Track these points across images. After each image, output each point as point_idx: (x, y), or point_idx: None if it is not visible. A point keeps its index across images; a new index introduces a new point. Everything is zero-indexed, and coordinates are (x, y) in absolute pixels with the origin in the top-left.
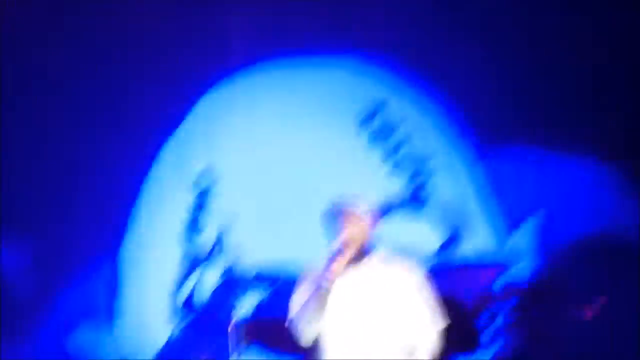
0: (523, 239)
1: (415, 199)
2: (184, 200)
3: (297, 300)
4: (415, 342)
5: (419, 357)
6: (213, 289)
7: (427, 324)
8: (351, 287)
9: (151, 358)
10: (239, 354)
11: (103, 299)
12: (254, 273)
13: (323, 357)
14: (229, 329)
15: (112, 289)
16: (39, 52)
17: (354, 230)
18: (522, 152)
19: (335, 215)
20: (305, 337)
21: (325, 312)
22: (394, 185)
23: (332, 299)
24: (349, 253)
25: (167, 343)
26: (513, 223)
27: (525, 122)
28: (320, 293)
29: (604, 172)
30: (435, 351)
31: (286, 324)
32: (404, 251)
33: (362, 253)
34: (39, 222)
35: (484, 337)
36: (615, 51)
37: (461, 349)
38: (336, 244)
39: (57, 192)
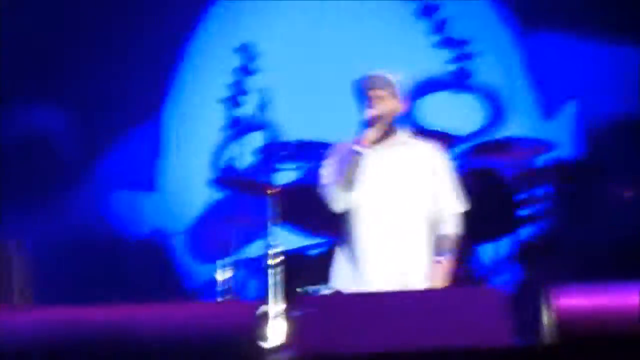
0: (565, 120)
1: (458, 79)
2: (229, 65)
3: (329, 168)
4: (439, 218)
5: (443, 232)
6: (254, 154)
7: (451, 203)
8: (380, 162)
9: (190, 222)
10: (278, 220)
11: (145, 161)
12: (295, 142)
13: (352, 229)
14: (269, 194)
15: (155, 151)
16: None
17: (381, 106)
18: (563, 37)
19: (363, 90)
20: (336, 203)
21: (355, 182)
22: (437, 63)
23: (362, 170)
24: (378, 127)
25: (207, 207)
26: (555, 105)
27: (566, 7)
28: (351, 161)
29: None
30: (458, 230)
31: (318, 190)
32: (444, 129)
33: (390, 129)
34: (80, 86)
35: (525, 213)
36: None
37: (501, 226)
38: (365, 116)
39: (99, 54)
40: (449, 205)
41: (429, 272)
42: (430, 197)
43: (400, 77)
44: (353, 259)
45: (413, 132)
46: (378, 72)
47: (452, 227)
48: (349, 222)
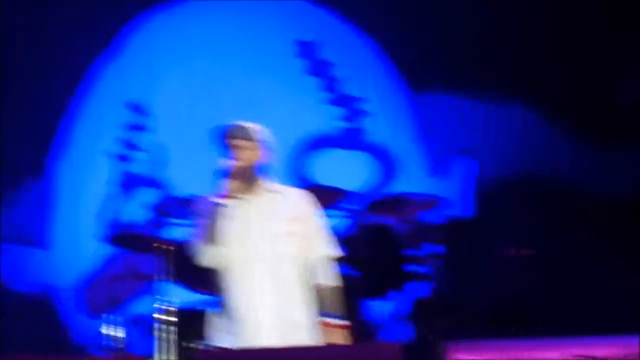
0: (453, 178)
1: (349, 136)
2: (120, 120)
3: (193, 223)
4: (313, 265)
5: (321, 282)
6: (145, 210)
7: (323, 248)
8: (245, 212)
9: (80, 277)
10: (168, 276)
11: (33, 219)
12: (185, 197)
13: (225, 285)
14: (159, 250)
15: (44, 207)
16: None
17: (242, 156)
18: (452, 98)
19: (224, 139)
20: (203, 259)
21: (219, 235)
22: (328, 121)
23: (226, 223)
24: (240, 177)
25: (97, 263)
26: (444, 163)
27: (455, 69)
28: (212, 214)
29: (534, 116)
30: (333, 277)
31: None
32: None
33: (254, 178)
34: None
35: (416, 269)
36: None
37: (391, 281)
38: (225, 167)
39: None
40: (321, 250)
41: (321, 334)
42: (302, 244)
43: (261, 128)
44: (229, 316)
45: (277, 181)
46: (238, 122)
47: (328, 276)
48: (224, 280)
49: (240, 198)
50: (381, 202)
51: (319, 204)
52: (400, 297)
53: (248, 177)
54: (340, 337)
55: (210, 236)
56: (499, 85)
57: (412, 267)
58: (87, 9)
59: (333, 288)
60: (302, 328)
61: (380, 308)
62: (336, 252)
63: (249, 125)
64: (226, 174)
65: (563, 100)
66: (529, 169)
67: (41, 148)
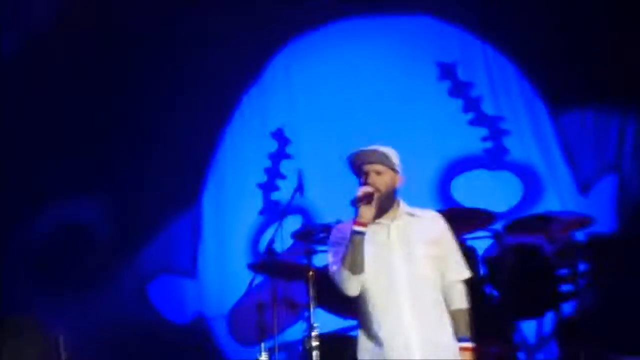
0: (601, 195)
1: (493, 156)
2: (265, 150)
3: (333, 252)
4: (448, 290)
5: (454, 306)
6: (291, 239)
7: (457, 272)
8: (385, 237)
9: (231, 306)
10: (314, 302)
11: (185, 249)
12: (331, 224)
13: (370, 311)
14: (307, 278)
15: (194, 239)
16: None
17: (379, 181)
18: (596, 114)
19: (359, 166)
20: (347, 289)
21: (361, 263)
22: (472, 141)
23: (366, 250)
24: (376, 202)
25: (247, 291)
26: (591, 181)
27: (598, 84)
28: (352, 243)
29: None
30: (465, 299)
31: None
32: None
33: (390, 203)
34: (120, 173)
35: (565, 289)
36: None
37: (541, 302)
38: (361, 193)
39: (136, 141)
40: (455, 272)
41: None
42: (439, 266)
43: (394, 151)
44: (375, 340)
45: (409, 206)
46: (372, 146)
47: (462, 300)
48: (365, 305)
49: (378, 224)
50: (527, 222)
51: (453, 226)
52: (550, 317)
53: (384, 202)
54: None
55: (351, 265)
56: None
57: (561, 287)
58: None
59: (466, 311)
60: (447, 349)
61: (530, 328)
62: (468, 274)
63: (382, 149)
64: (363, 200)
65: None
66: None
67: (191, 181)
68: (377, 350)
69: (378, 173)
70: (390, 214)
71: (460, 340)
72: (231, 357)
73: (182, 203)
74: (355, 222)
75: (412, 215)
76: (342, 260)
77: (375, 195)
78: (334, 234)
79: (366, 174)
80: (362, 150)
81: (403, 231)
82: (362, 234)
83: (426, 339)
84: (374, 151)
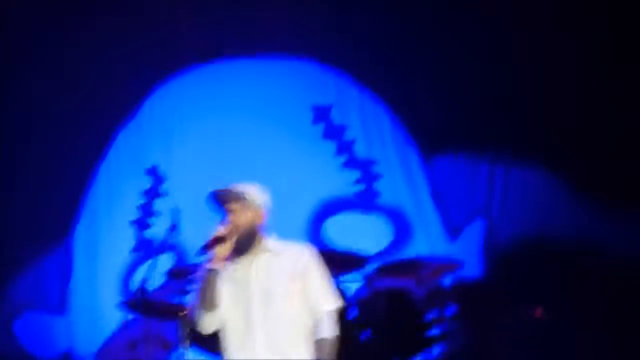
0: (469, 240)
1: (364, 199)
2: (139, 187)
3: (193, 291)
4: (315, 322)
5: (320, 335)
6: (164, 277)
7: (324, 303)
8: (243, 274)
9: (101, 344)
10: (189, 342)
11: (54, 285)
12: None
13: (226, 346)
14: (180, 318)
15: (64, 275)
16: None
17: (235, 219)
18: (467, 161)
19: (218, 205)
20: (201, 325)
21: (215, 301)
22: (343, 184)
23: (225, 286)
24: (234, 240)
25: (118, 329)
26: (459, 226)
27: (469, 131)
28: (206, 281)
29: (548, 179)
30: (335, 330)
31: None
32: (352, 250)
33: (250, 240)
34: None
35: (433, 332)
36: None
37: (410, 345)
38: (218, 230)
39: (7, 172)
40: (322, 303)
41: None
42: (301, 300)
43: (255, 188)
44: None
45: (276, 240)
46: (231, 185)
47: (329, 329)
48: (224, 342)
49: (238, 261)
50: (397, 266)
51: (320, 259)
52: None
53: (244, 239)
54: None
55: (203, 302)
56: (513, 148)
57: (430, 330)
58: (106, 81)
59: (330, 340)
60: None
61: None
62: (336, 304)
63: (241, 187)
64: (214, 243)
65: (579, 162)
66: (543, 230)
67: (62, 217)
68: None
69: (235, 212)
70: (252, 250)
71: None
72: None
73: (53, 238)
74: (209, 260)
75: (273, 251)
76: (197, 297)
77: (233, 233)
78: (198, 274)
79: (225, 211)
80: (220, 190)
81: (263, 269)
82: (215, 271)
83: None
84: (230, 190)
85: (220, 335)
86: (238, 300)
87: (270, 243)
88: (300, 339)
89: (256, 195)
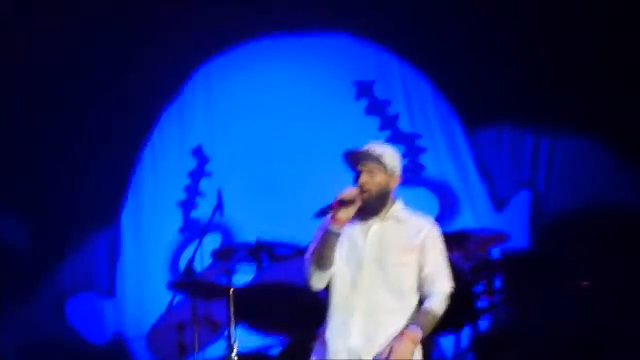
0: (516, 211)
1: (410, 173)
2: (184, 167)
3: (312, 243)
4: (425, 296)
5: (425, 306)
6: (212, 256)
7: (438, 281)
8: (364, 238)
9: (150, 325)
10: (236, 321)
11: (103, 267)
12: (251, 242)
13: (329, 307)
14: (227, 296)
15: (113, 257)
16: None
17: (368, 180)
18: (511, 130)
19: (354, 160)
20: (311, 281)
21: (328, 260)
22: None
23: (342, 243)
24: (359, 202)
25: (166, 311)
26: (505, 198)
27: (513, 102)
28: (324, 238)
29: (594, 149)
30: (442, 309)
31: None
32: None
33: (381, 203)
34: (39, 190)
35: (480, 305)
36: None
37: (458, 317)
38: (345, 192)
39: (55, 157)
40: (436, 280)
41: (393, 341)
42: (415, 273)
43: (392, 151)
44: (323, 340)
45: (404, 207)
46: (368, 145)
47: (439, 304)
48: (328, 303)
49: (362, 223)
50: (444, 239)
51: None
52: (467, 332)
53: (374, 202)
54: (410, 347)
55: (318, 259)
56: (558, 118)
57: (477, 303)
58: (152, 62)
59: (437, 316)
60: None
61: (448, 343)
62: (450, 286)
63: (378, 149)
64: (347, 201)
65: (626, 131)
66: (590, 200)
67: (109, 198)
68: (319, 349)
69: (369, 172)
70: (380, 215)
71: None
72: None
73: (101, 221)
74: (332, 220)
75: (398, 219)
76: (312, 252)
77: (363, 196)
78: (317, 232)
79: (359, 173)
80: (356, 149)
81: (381, 235)
82: (336, 233)
83: (365, 345)
84: (367, 150)
85: (327, 294)
86: (350, 260)
87: (397, 209)
88: (401, 311)
89: (392, 157)
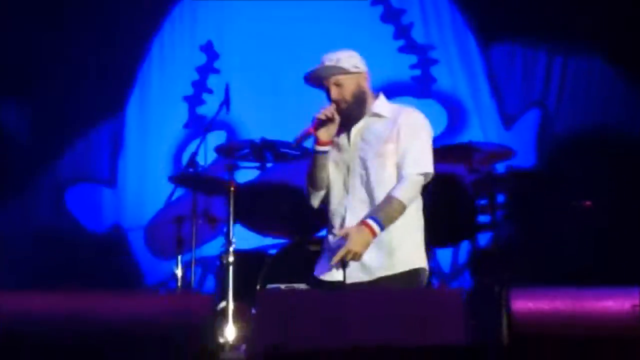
0: (525, 128)
1: (421, 83)
2: (193, 62)
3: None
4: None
5: (390, 197)
6: (215, 152)
7: (407, 165)
8: (345, 139)
9: (150, 218)
10: (236, 219)
11: (104, 157)
12: (256, 140)
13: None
14: (229, 193)
15: (114, 147)
16: None
17: (343, 90)
18: (524, 48)
19: (317, 79)
20: (310, 201)
21: (320, 180)
22: (401, 68)
23: (334, 154)
24: (337, 116)
25: (167, 204)
26: (515, 115)
27: (527, 19)
28: (315, 159)
29: (606, 71)
30: (404, 196)
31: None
32: None
33: (360, 107)
34: (42, 77)
35: (484, 219)
36: None
37: (460, 228)
38: (322, 112)
39: (60, 45)
40: (406, 164)
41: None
42: (395, 164)
43: (348, 53)
44: (324, 246)
45: (386, 103)
46: (323, 59)
47: (397, 190)
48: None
49: (349, 128)
50: (450, 150)
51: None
52: (465, 247)
53: (354, 107)
54: (365, 238)
55: (311, 181)
56: (572, 37)
57: (478, 217)
58: None
59: (398, 203)
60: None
61: (445, 257)
62: (412, 172)
63: (332, 58)
64: (325, 120)
65: (636, 55)
66: (600, 122)
67: (115, 88)
68: (323, 256)
69: (336, 84)
70: (357, 117)
71: (369, 217)
72: (146, 269)
73: (106, 110)
74: (316, 142)
75: (378, 114)
76: (307, 174)
77: (341, 108)
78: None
79: (327, 89)
80: (312, 69)
81: (362, 134)
82: (322, 152)
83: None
84: (323, 65)
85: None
86: (340, 166)
87: (377, 105)
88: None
89: (349, 57)
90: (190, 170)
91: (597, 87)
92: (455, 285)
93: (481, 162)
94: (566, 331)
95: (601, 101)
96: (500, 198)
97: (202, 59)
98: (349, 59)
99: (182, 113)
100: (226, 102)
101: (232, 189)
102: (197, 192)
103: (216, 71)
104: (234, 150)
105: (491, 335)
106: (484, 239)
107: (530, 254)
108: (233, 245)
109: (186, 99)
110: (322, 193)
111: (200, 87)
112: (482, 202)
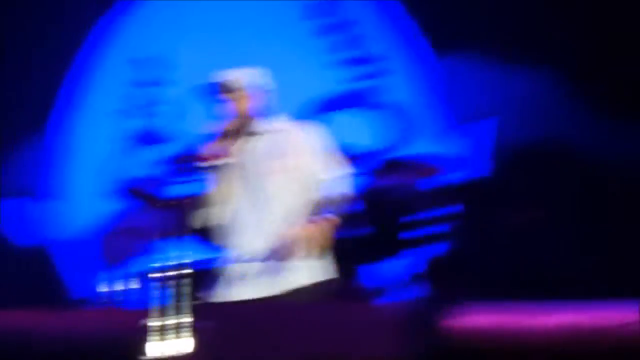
0: (474, 140)
1: (368, 95)
2: (125, 76)
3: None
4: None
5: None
6: (157, 166)
7: (322, 172)
8: (240, 159)
9: (83, 232)
10: (180, 232)
11: (31, 168)
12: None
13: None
14: (170, 206)
15: (44, 161)
16: None
17: (238, 106)
18: (475, 59)
19: (216, 93)
20: (213, 219)
21: (226, 194)
22: (347, 80)
23: (228, 174)
24: (235, 130)
25: (103, 218)
26: (466, 125)
27: (479, 31)
28: (214, 177)
29: (556, 83)
30: (342, 190)
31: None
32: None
33: (249, 126)
34: None
35: (432, 231)
36: None
37: (414, 241)
38: (217, 126)
39: None
40: (320, 173)
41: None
42: (294, 176)
43: (248, 72)
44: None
45: (283, 121)
46: (223, 75)
47: (335, 187)
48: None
49: (240, 147)
50: (402, 162)
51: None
52: (415, 257)
53: (248, 124)
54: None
55: (215, 198)
56: (523, 49)
57: (433, 227)
58: None
59: (337, 197)
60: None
61: (401, 266)
62: (335, 173)
63: (233, 75)
64: (221, 134)
65: (586, 68)
66: (548, 134)
67: (44, 103)
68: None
69: (234, 101)
70: (253, 134)
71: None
72: (72, 283)
73: (32, 124)
74: (213, 157)
75: (274, 131)
76: (206, 194)
77: (233, 126)
78: (206, 170)
79: (221, 103)
80: (213, 82)
81: (255, 150)
82: (220, 167)
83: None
84: (224, 81)
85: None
86: (234, 182)
87: (272, 124)
88: (295, 219)
89: (251, 79)
90: (125, 184)
91: (547, 98)
92: (401, 296)
93: (434, 173)
94: (498, 345)
95: (551, 112)
96: (454, 208)
97: (141, 71)
98: (248, 79)
99: (116, 126)
100: (168, 116)
101: (169, 202)
102: (132, 206)
103: (157, 84)
104: (174, 162)
105: (419, 349)
106: (440, 248)
107: (484, 264)
108: (166, 260)
109: (120, 112)
110: (217, 209)
111: (131, 100)
112: (438, 212)
